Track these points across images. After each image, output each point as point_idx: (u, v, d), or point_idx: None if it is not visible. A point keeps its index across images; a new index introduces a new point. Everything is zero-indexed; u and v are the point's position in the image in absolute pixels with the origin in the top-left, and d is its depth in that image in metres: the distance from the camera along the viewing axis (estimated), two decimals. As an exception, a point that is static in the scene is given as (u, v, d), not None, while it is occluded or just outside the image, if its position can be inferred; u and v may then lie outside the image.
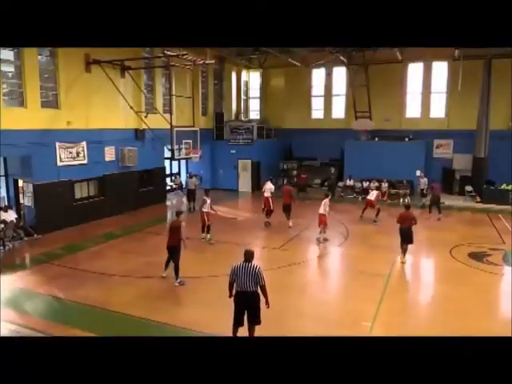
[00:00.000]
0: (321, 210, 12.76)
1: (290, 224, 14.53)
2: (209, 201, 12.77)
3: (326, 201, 12.88)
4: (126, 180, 16.85)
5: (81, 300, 8.46)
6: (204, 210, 12.72)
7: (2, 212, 12.49)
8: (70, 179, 14.45)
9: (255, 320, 6.34)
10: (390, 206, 18.27)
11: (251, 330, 6.40)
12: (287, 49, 20.24)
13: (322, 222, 12.73)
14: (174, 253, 9.36)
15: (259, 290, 6.31)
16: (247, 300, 6.28)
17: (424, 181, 19.15)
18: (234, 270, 6.31)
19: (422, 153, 21.52)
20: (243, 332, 6.40)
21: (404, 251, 11.02)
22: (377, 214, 15.59)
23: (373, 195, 15.96)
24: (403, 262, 10.96)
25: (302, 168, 22.03)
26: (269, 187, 15.12)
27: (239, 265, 6.33)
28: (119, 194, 16.36)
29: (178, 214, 10.08)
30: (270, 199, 14.84)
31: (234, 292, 6.39)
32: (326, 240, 12.84)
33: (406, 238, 10.95)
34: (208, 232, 12.78)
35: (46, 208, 13.46)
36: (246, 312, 6.34)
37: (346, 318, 7.86)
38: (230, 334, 6.38)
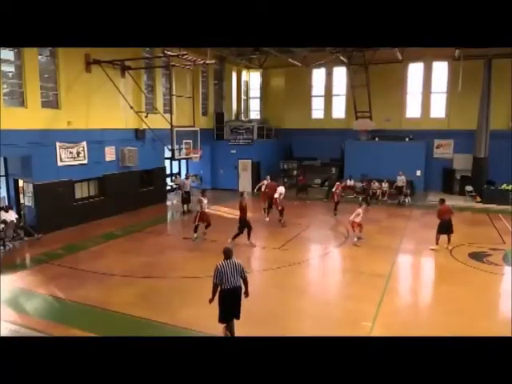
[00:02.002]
0: (356, 219, 12.63)
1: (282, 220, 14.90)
2: (205, 201, 12.90)
3: (360, 210, 12.73)
4: (126, 180, 16.83)
5: (81, 300, 8.45)
6: (201, 209, 12.85)
7: (2, 212, 12.48)
8: (71, 179, 14.44)
9: (239, 314, 6.42)
10: (390, 206, 18.25)
11: (233, 326, 6.47)
12: (287, 49, 20.22)
13: (358, 226, 12.76)
14: (245, 224, 12.05)
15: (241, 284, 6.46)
16: (236, 296, 6.36)
17: (402, 178, 19.31)
18: (221, 270, 6.27)
19: (422, 153, 21.54)
20: (242, 332, 6.40)
21: (449, 239, 11.91)
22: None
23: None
24: (448, 248, 11.84)
25: (302, 168, 22.01)
26: (283, 191, 15.16)
27: (224, 264, 6.34)
28: (119, 194, 16.34)
29: (242, 193, 13.11)
30: (279, 200, 14.97)
31: (218, 292, 6.39)
32: (360, 238, 12.77)
33: (449, 229, 11.82)
34: (196, 231, 12.85)
35: (47, 208, 13.45)
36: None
37: (346, 317, 7.84)
38: (230, 335, 6.38)
